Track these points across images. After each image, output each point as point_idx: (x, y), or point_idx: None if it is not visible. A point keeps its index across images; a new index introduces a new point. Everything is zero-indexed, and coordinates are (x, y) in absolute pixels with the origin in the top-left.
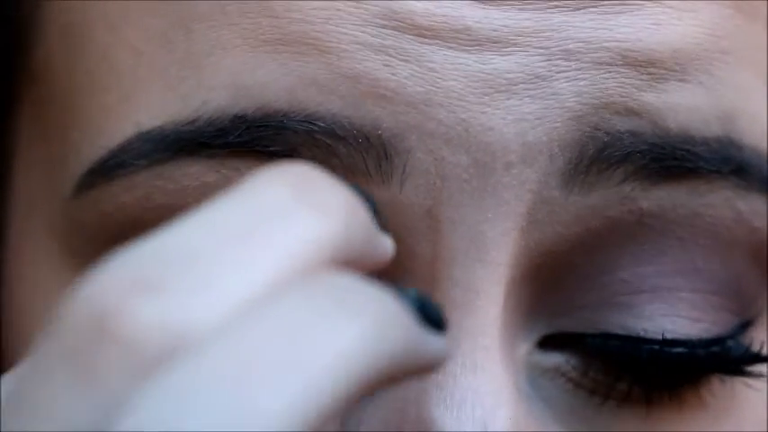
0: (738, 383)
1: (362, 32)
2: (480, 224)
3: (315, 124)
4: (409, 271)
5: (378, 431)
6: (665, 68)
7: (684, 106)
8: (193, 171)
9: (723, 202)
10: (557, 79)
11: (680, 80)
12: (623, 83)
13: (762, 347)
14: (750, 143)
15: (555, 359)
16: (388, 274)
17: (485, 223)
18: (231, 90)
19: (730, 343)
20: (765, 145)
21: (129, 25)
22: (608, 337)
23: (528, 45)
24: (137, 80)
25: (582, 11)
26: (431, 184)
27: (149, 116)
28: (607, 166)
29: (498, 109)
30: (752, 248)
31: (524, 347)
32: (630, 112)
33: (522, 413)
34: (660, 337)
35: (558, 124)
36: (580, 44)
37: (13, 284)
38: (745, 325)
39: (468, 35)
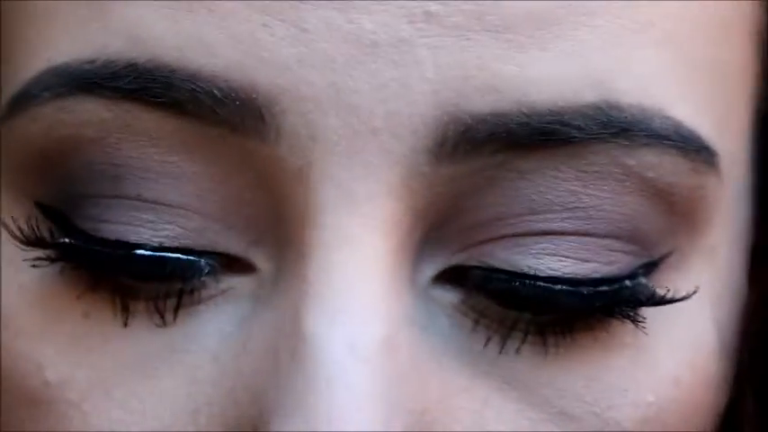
0: (642, 320)
1: None
2: (350, 182)
3: (197, 84)
4: (287, 212)
5: (262, 349)
6: (524, 35)
7: (549, 77)
8: (90, 107)
9: (609, 160)
10: (418, 45)
11: (541, 49)
12: (481, 54)
13: (668, 292)
14: (631, 102)
15: (451, 296)
16: (272, 210)
17: (355, 181)
18: (128, 38)
19: (628, 283)
20: (650, 99)
21: None
22: (493, 271)
23: (392, 4)
24: (51, 17)
25: None
26: (303, 145)
27: (59, 52)
28: (473, 146)
29: (365, 72)
30: (647, 195)
31: (421, 280)
32: (491, 88)
33: (406, 339)
34: (539, 274)
35: (418, 97)
36: (440, 6)
37: None
38: (649, 266)
39: None
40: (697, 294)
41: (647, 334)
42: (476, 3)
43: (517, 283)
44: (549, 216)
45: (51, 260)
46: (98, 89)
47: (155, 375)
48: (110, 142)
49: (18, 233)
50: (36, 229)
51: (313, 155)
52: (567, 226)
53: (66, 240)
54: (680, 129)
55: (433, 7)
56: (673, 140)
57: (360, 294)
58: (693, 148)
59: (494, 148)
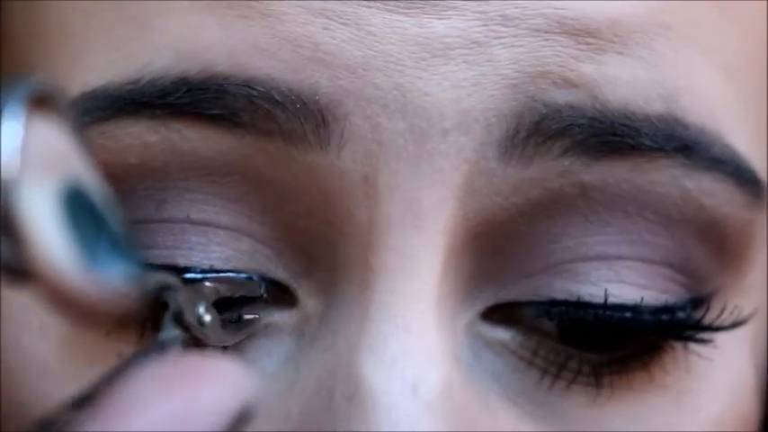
0: (692, 356)
1: None
2: (416, 191)
3: (254, 89)
4: (347, 235)
5: (312, 391)
6: (604, 39)
7: (623, 80)
8: (134, 130)
9: (669, 180)
10: (493, 45)
11: (619, 53)
12: (560, 52)
13: (712, 323)
14: (695, 121)
15: (501, 333)
16: (327, 237)
17: (421, 190)
18: (175, 52)
19: (680, 313)
20: (712, 123)
21: None
22: (553, 303)
23: (466, 9)
24: (86, 41)
25: None
26: (368, 150)
27: (95, 76)
28: (545, 138)
29: (435, 74)
30: (701, 226)
31: (467, 317)
32: (568, 82)
33: (457, 380)
34: (606, 302)
35: (494, 92)
36: (518, 10)
37: None
38: (697, 302)
39: None
40: (739, 334)
41: (711, 360)
42: (557, 7)
43: (581, 313)
44: (605, 239)
45: None
46: (144, 109)
47: None
48: (155, 167)
49: None
50: None
51: (379, 161)
52: (624, 250)
53: None
54: (737, 158)
55: (510, 10)
56: (730, 168)
57: (421, 333)
58: (748, 181)
59: (564, 147)
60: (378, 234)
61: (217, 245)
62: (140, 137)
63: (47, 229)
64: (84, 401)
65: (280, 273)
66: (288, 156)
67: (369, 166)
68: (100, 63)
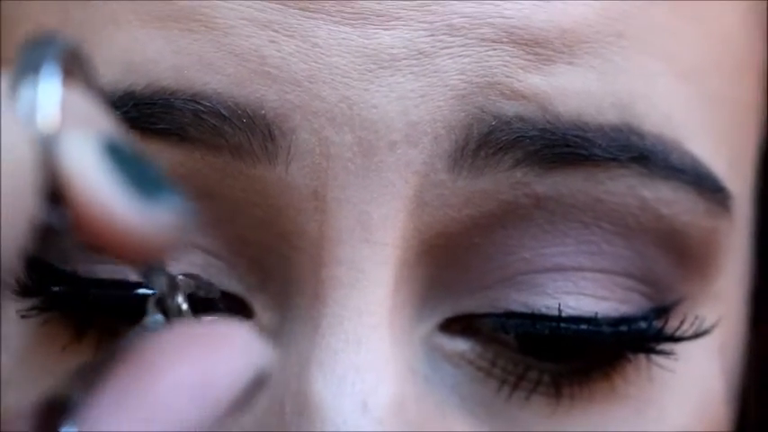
0: (654, 367)
1: (248, 7)
2: (365, 204)
3: (200, 104)
4: (298, 249)
5: (266, 405)
6: (553, 50)
7: (574, 90)
8: None
9: (626, 190)
10: (440, 56)
11: (568, 63)
12: (508, 62)
13: (674, 333)
14: (652, 130)
15: (459, 344)
16: (280, 250)
17: (370, 203)
18: (122, 66)
19: (641, 324)
20: (671, 131)
21: None
22: (510, 315)
23: (411, 19)
24: None
25: None
26: (316, 164)
27: None
28: (495, 150)
29: (382, 86)
30: (661, 236)
31: (424, 329)
32: (517, 94)
33: (411, 393)
34: (561, 314)
35: (441, 103)
36: (465, 19)
37: None
38: (660, 312)
39: (353, 8)
40: (705, 342)
41: (672, 372)
42: (505, 18)
43: (537, 326)
44: (562, 250)
45: (40, 310)
46: None
47: None
48: None
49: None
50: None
51: (327, 175)
52: (583, 261)
53: (56, 288)
54: (697, 166)
55: (457, 20)
56: (690, 177)
57: (372, 347)
58: (709, 188)
59: (515, 159)
60: (328, 248)
61: (171, 258)
62: None
63: (97, 172)
64: (91, 374)
65: (234, 285)
66: (236, 170)
67: (317, 180)
68: None
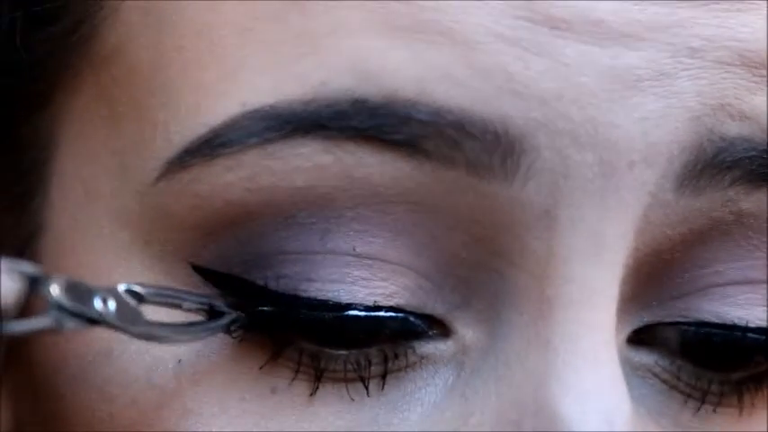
0: None
1: (497, 24)
2: (600, 223)
3: (444, 117)
4: (518, 266)
5: (493, 424)
6: None
7: None
8: (306, 151)
9: None
10: (680, 77)
11: None
12: (739, 84)
13: None
14: None
15: (644, 357)
16: (492, 268)
17: (604, 222)
18: (354, 73)
19: None
20: None
21: (233, 2)
22: (701, 325)
23: (656, 40)
24: (242, 57)
25: (706, 7)
26: (553, 183)
27: (257, 94)
28: (718, 170)
29: (625, 106)
30: None
31: (620, 338)
32: (743, 115)
33: (632, 409)
34: (758, 325)
35: (678, 124)
36: (704, 42)
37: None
38: None
39: (602, 28)
40: None
41: None
42: (739, 42)
43: (731, 338)
44: (753, 264)
45: (234, 330)
46: (318, 130)
47: None
48: (321, 192)
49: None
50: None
51: (563, 195)
52: None
53: (267, 304)
54: None
55: (696, 42)
56: None
57: (607, 364)
58: None
59: (733, 179)
60: (556, 266)
61: (381, 280)
62: (312, 158)
63: None
64: None
65: (438, 308)
66: (467, 185)
67: (551, 199)
68: (262, 81)
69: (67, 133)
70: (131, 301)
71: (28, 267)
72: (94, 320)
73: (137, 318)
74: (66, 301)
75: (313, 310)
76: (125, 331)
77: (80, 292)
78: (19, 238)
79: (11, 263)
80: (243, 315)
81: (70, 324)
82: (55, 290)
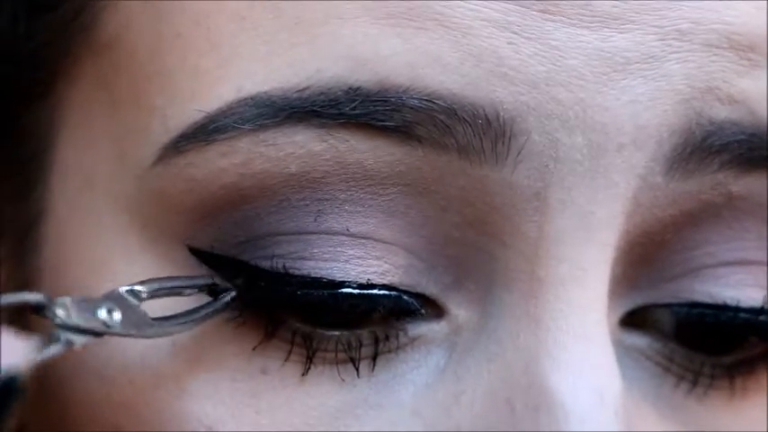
0: None
1: (487, 8)
2: (590, 205)
3: (435, 103)
4: (509, 247)
5: (485, 402)
6: (761, 54)
7: None
8: (299, 138)
9: None
10: (669, 60)
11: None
12: (726, 67)
13: None
14: None
15: (637, 340)
16: (484, 248)
17: (594, 204)
18: (348, 61)
19: None
20: None
21: None
22: (694, 305)
23: (644, 23)
24: (238, 45)
25: None
26: (543, 165)
27: (253, 81)
28: (707, 154)
29: (614, 89)
30: None
31: (613, 320)
32: (730, 99)
33: (623, 387)
34: (751, 305)
35: (667, 107)
36: (691, 24)
37: (65, 261)
38: None
39: (590, 11)
40: None
41: None
42: (726, 24)
43: (723, 317)
44: (744, 245)
45: (223, 310)
46: (312, 118)
47: None
48: (315, 177)
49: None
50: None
51: (553, 177)
52: (761, 255)
53: (261, 284)
54: None
55: (685, 25)
56: None
57: (598, 341)
58: None
59: (721, 162)
60: (547, 246)
61: (374, 258)
62: (305, 145)
63: None
64: None
65: (431, 287)
66: (459, 169)
67: (541, 182)
68: (258, 68)
69: (68, 121)
70: (134, 302)
71: (31, 297)
72: (103, 332)
73: (143, 320)
74: (72, 321)
75: (307, 288)
76: (135, 337)
77: (84, 307)
78: (21, 226)
79: (13, 296)
80: (241, 290)
81: (81, 340)
82: (60, 313)
